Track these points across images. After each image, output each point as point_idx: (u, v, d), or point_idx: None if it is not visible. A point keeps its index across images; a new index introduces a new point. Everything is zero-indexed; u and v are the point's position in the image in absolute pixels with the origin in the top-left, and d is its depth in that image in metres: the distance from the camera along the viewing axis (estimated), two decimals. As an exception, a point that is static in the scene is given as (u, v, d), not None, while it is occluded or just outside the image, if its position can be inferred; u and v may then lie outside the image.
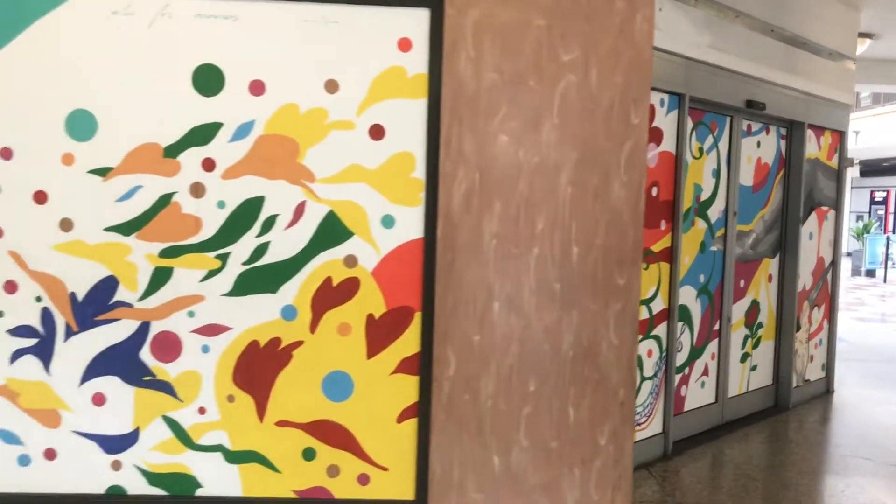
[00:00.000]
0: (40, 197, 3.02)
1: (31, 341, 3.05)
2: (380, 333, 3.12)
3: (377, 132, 3.06)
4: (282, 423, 3.11)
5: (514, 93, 2.99)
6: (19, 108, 2.98)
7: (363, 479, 3.13)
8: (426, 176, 3.06)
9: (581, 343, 3.04)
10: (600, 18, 2.99)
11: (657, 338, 5.46)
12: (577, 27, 2.98)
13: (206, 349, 3.08)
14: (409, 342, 3.12)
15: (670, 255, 5.51)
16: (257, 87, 3.02)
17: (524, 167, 3.00)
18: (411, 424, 3.13)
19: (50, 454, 3.09)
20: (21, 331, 3.05)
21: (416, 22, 3.03)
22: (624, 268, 3.06)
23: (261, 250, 3.07)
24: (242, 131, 3.03)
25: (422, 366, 3.10)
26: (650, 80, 3.06)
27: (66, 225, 3.03)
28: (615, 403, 3.08)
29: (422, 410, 3.11)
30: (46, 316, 3.05)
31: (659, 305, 5.45)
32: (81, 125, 3.00)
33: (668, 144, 5.45)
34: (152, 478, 3.10)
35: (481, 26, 2.96)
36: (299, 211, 3.06)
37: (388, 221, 3.09)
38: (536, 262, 3.02)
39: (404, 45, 3.03)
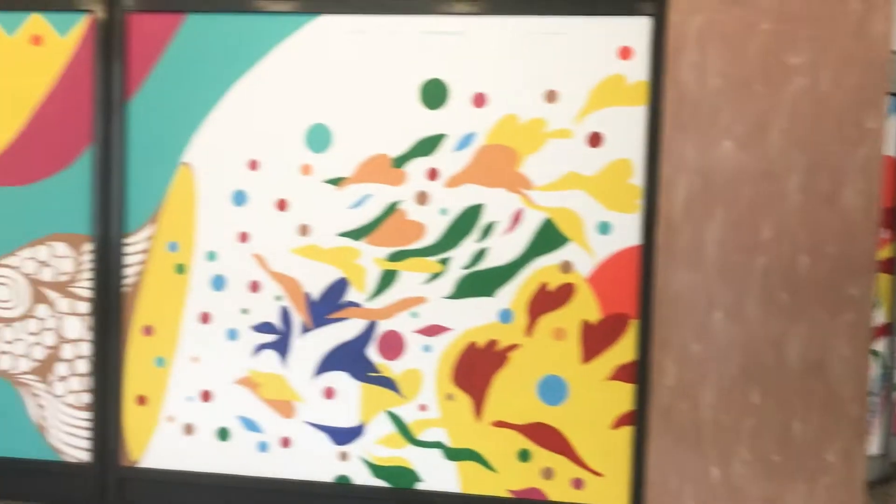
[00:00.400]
0: (282, 204, 3.29)
1: (272, 337, 3.32)
2: (595, 339, 3.15)
3: (595, 140, 3.10)
4: (498, 424, 3.20)
5: (738, 98, 2.93)
6: (266, 123, 3.27)
7: (577, 484, 3.17)
8: (644, 182, 3.07)
9: (809, 355, 2.93)
10: (832, 20, 2.88)
11: (877, 353, 5.12)
12: (807, 29, 2.89)
13: (427, 349, 3.23)
14: (624, 349, 3.13)
15: (892, 265, 5.16)
16: (479, 100, 3.15)
17: (749, 173, 2.94)
18: (627, 431, 3.13)
19: (285, 442, 3.34)
20: (263, 327, 3.33)
21: (637, 30, 3.04)
22: (856, 278, 2.92)
23: (480, 255, 3.18)
24: (465, 142, 3.16)
25: (638, 373, 3.10)
26: (887, 84, 2.91)
27: (303, 230, 3.28)
28: (846, 420, 2.93)
29: (638, 418, 3.11)
30: (285, 314, 3.31)
31: (879, 319, 5.11)
32: (319, 138, 3.24)
33: (890, 148, 5.11)
34: (376, 470, 3.28)
35: (706, 32, 2.93)
36: (517, 218, 3.15)
37: (604, 228, 3.12)
38: (761, 271, 2.94)
39: (624, 53, 3.06)
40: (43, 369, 3.45)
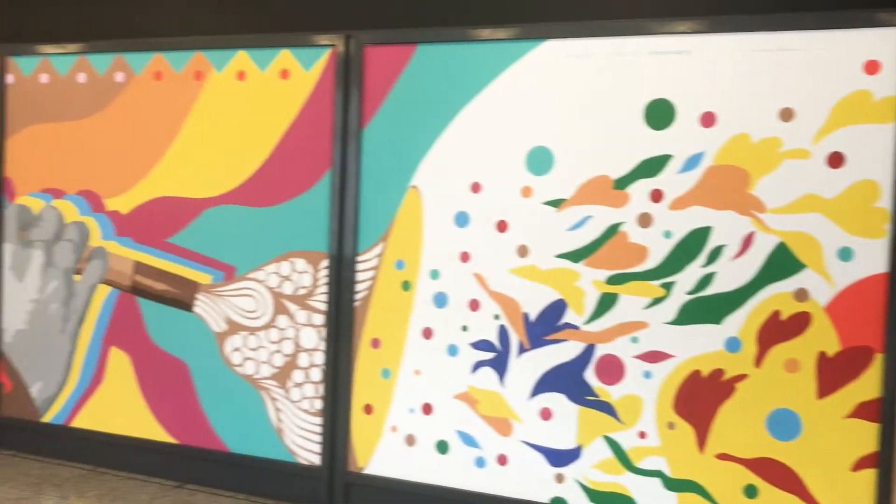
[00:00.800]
0: (502, 226, 3.36)
1: (489, 355, 3.39)
2: (832, 373, 2.93)
3: (836, 160, 2.91)
4: (722, 457, 3.06)
5: None
6: (488, 147, 3.37)
7: (810, 527, 2.96)
8: (893, 205, 2.83)
9: None
10: None
11: None
12: None
13: (647, 375, 3.16)
14: (867, 385, 2.89)
15: None
16: (708, 119, 3.05)
17: None
18: (869, 475, 2.88)
19: (502, 460, 3.39)
20: (481, 345, 3.40)
21: (886, 42, 2.83)
22: None
23: (706, 280, 3.07)
24: (692, 163, 3.08)
25: (883, 412, 2.85)
26: None
27: (522, 251, 3.33)
28: None
29: (882, 461, 2.85)
30: (503, 333, 3.37)
31: None
32: (540, 160, 3.29)
33: None
34: (592, 494, 3.24)
35: (969, 40, 2.67)
36: (747, 241, 3.02)
37: (845, 254, 2.91)
38: None
39: (871, 67, 2.85)
40: (281, 375, 3.74)
